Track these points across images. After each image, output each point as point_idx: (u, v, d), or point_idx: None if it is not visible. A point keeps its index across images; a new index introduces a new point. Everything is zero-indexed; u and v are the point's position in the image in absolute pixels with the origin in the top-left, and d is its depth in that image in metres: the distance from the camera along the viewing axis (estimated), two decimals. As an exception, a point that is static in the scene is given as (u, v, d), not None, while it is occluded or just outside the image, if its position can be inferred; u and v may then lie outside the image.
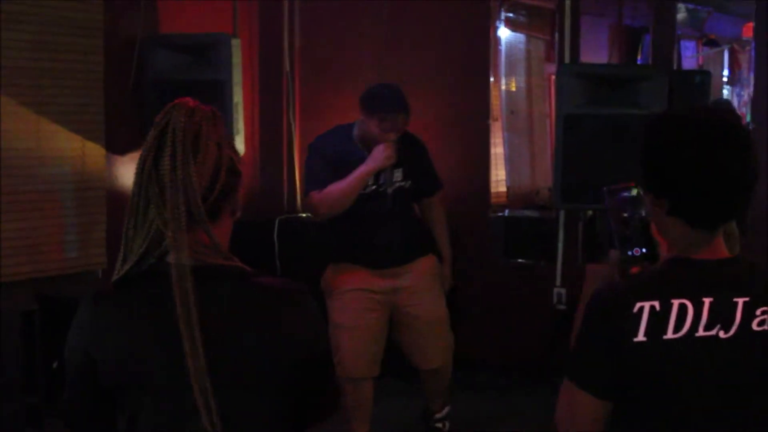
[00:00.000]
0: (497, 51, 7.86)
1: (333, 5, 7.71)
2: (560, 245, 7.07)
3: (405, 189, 5.23)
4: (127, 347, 2.10)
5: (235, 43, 6.50)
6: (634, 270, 2.41)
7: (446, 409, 5.62)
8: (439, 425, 5.62)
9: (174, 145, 2.07)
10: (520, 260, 7.41)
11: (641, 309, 2.16)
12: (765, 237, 5.91)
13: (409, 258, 5.28)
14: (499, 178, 7.77)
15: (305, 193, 5.37)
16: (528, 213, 7.75)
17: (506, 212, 7.61)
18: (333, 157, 5.12)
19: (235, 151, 2.21)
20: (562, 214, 7.02)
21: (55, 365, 5.40)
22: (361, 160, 5.06)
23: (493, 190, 7.52)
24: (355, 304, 5.20)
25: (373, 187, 5.14)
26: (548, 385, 6.64)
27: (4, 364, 5.35)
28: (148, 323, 2.08)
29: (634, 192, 2.46)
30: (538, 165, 8.33)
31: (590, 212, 6.94)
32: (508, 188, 7.94)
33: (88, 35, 6.23)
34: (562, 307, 7.04)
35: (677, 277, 2.23)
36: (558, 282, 7.06)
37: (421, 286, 5.29)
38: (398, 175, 5.19)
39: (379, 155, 5.02)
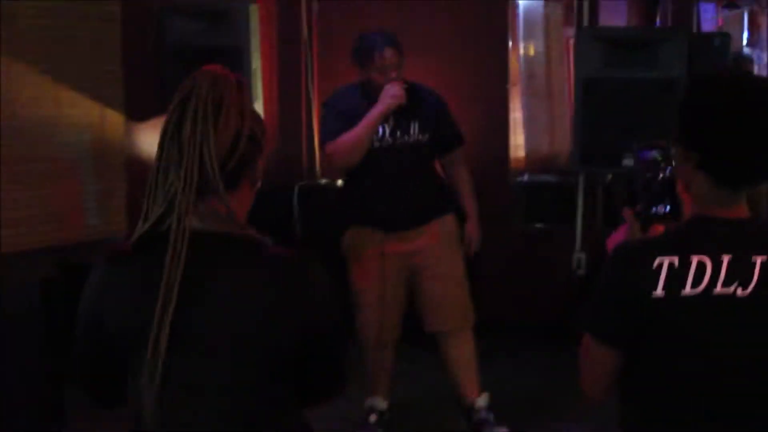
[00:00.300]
0: (515, 15, 7.82)
1: (350, -30, 7.68)
2: (579, 210, 7.06)
3: (422, 143, 5.16)
4: (132, 307, 2.12)
5: (253, 9, 6.51)
6: (658, 228, 2.44)
7: (484, 396, 5.30)
8: (483, 416, 5.28)
9: (196, 110, 2.08)
10: (539, 225, 7.40)
11: (660, 264, 2.21)
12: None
13: (425, 219, 5.20)
14: (517, 143, 7.75)
15: (321, 146, 5.35)
16: (547, 178, 7.74)
17: (525, 177, 7.61)
18: (346, 111, 5.09)
19: (259, 122, 2.21)
20: (581, 178, 7.00)
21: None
22: (372, 104, 5.03)
23: (512, 155, 7.51)
24: (372, 269, 5.16)
25: (390, 140, 5.09)
26: (568, 349, 6.67)
27: (25, 331, 5.38)
28: (151, 285, 2.09)
29: (659, 151, 2.48)
30: (557, 129, 8.29)
31: (610, 176, 6.92)
32: (527, 153, 7.92)
33: (105, 2, 6.22)
34: (581, 271, 7.04)
35: (697, 234, 2.27)
36: (578, 246, 7.05)
37: (436, 247, 5.20)
38: (414, 127, 5.13)
39: (386, 94, 4.98)
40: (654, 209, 2.47)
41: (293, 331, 2.12)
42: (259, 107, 6.52)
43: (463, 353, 5.29)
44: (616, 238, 2.52)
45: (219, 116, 2.09)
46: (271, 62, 7.70)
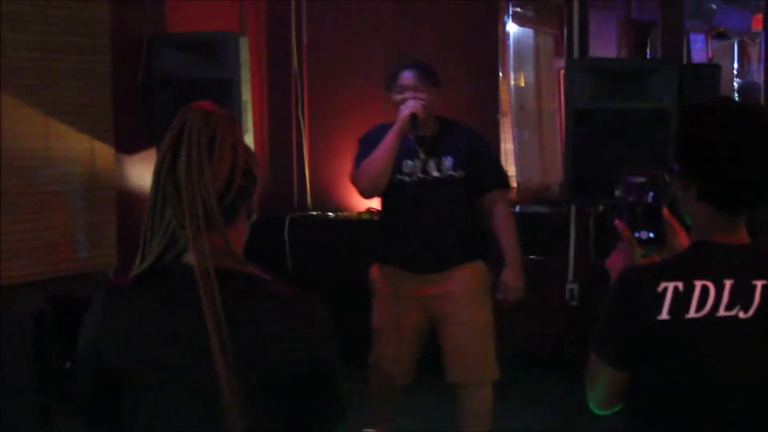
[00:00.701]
0: (505, 46, 7.84)
1: (340, 3, 7.70)
2: (572, 240, 7.06)
3: (455, 179, 4.91)
4: (134, 340, 2.13)
5: (243, 41, 6.49)
6: (649, 260, 2.47)
7: None
8: None
9: (190, 147, 2.09)
10: (531, 256, 7.38)
11: (665, 289, 2.29)
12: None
13: (450, 263, 4.97)
14: (509, 173, 7.75)
15: (352, 178, 5.11)
16: (539, 209, 7.74)
17: (517, 208, 7.60)
18: (375, 143, 4.91)
19: (252, 155, 2.23)
20: (573, 209, 7.00)
21: (68, 365, 5.40)
22: (406, 146, 4.88)
23: (503, 185, 7.50)
24: (391, 310, 4.99)
25: (421, 175, 4.91)
26: (562, 380, 6.66)
27: (17, 364, 5.35)
28: (158, 320, 2.11)
29: (645, 177, 2.50)
30: (548, 160, 8.30)
31: (601, 207, 6.92)
32: (518, 184, 7.91)
33: (94, 35, 6.22)
34: (574, 302, 7.03)
35: (700, 259, 2.35)
36: (570, 278, 7.05)
37: (459, 294, 4.96)
38: (447, 163, 4.91)
39: (402, 111, 4.82)
40: (637, 234, 2.50)
41: (301, 367, 2.14)
42: (249, 139, 6.50)
43: (477, 408, 5.09)
44: (616, 258, 2.54)
45: (213, 151, 2.10)
46: (262, 94, 7.71)
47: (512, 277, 5.02)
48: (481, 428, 5.09)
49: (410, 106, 4.81)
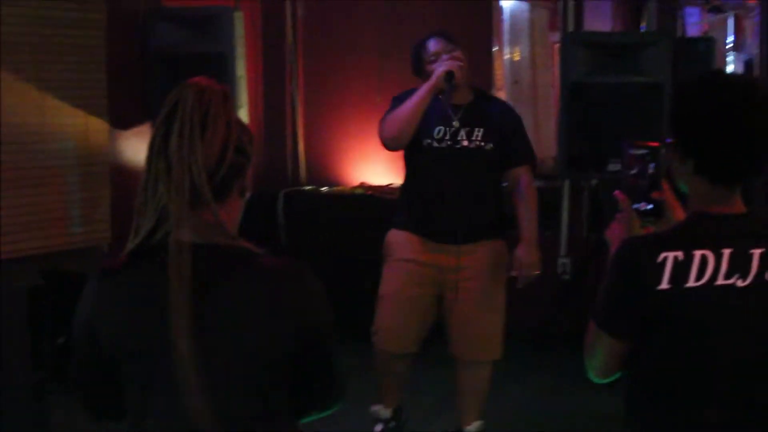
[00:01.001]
0: (500, 20, 7.83)
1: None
2: (565, 215, 7.07)
3: (484, 150, 4.80)
4: (127, 321, 2.13)
5: (238, 15, 6.48)
6: (646, 231, 2.57)
7: (477, 424, 5.08)
8: None
9: (182, 123, 2.09)
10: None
11: (665, 259, 2.35)
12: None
13: (475, 237, 4.85)
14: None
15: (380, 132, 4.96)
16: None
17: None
18: (405, 98, 4.82)
19: (246, 132, 2.22)
20: (566, 183, 7.01)
21: (61, 340, 5.42)
22: (437, 105, 4.77)
23: (497, 160, 7.50)
24: (403, 275, 4.87)
25: (449, 142, 4.80)
26: (553, 353, 6.70)
27: (11, 339, 5.36)
28: (146, 298, 2.11)
29: (647, 149, 2.58)
30: (543, 134, 8.29)
31: (595, 181, 6.93)
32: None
33: (89, 9, 6.20)
34: (566, 276, 7.04)
35: (699, 229, 2.41)
36: (562, 252, 7.06)
37: (479, 272, 4.87)
38: (478, 133, 4.81)
39: (437, 69, 4.72)
40: (636, 206, 2.58)
41: (291, 340, 2.13)
42: (243, 114, 6.49)
43: (476, 383, 5.04)
44: (616, 229, 2.61)
45: (206, 128, 2.10)
46: (256, 69, 7.69)
47: (527, 252, 4.85)
48: (475, 406, 5.06)
49: (446, 63, 4.73)
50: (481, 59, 7.37)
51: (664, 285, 2.33)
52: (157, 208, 2.10)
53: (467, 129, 4.82)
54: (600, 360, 2.47)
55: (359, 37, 7.58)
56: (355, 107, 7.57)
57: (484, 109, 4.90)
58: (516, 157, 4.92)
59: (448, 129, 4.82)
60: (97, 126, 6.26)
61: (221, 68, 6.27)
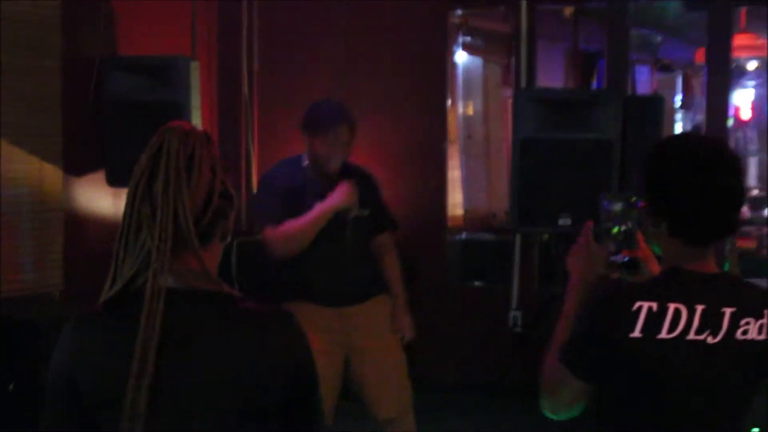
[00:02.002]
0: (454, 75, 7.92)
1: (291, 30, 7.74)
2: (516, 268, 7.12)
3: (363, 217, 4.91)
4: (105, 368, 2.08)
5: (194, 65, 6.50)
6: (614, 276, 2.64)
7: None
8: None
9: (168, 168, 2.07)
10: (477, 283, 7.45)
11: (640, 308, 2.37)
12: None
13: (366, 295, 4.99)
14: (456, 201, 7.81)
15: (259, 228, 5.02)
16: (485, 236, 7.80)
17: (463, 235, 7.66)
18: (283, 190, 4.85)
19: (229, 175, 2.21)
20: (518, 237, 7.07)
21: (11, 387, 5.37)
22: (314, 191, 4.83)
23: (450, 213, 7.56)
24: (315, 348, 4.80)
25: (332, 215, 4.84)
26: (508, 406, 6.72)
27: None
28: (124, 345, 2.05)
29: (623, 203, 2.65)
30: (495, 188, 8.39)
31: (546, 235, 6.99)
32: (465, 211, 7.98)
33: (45, 57, 6.21)
34: (518, 329, 7.08)
35: (674, 283, 2.44)
36: (514, 305, 7.10)
37: (375, 326, 4.99)
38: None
39: (343, 191, 4.78)
40: (614, 258, 2.64)
41: (276, 385, 2.10)
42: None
43: None
44: (576, 258, 2.67)
45: (192, 172, 2.09)
46: (212, 119, 7.72)
47: (404, 316, 5.06)
48: None
49: (348, 200, 4.80)
50: (435, 112, 7.45)
51: (637, 333, 2.35)
52: (140, 254, 2.08)
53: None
54: (561, 397, 2.49)
55: (314, 93, 7.62)
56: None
57: (356, 179, 4.91)
58: (381, 224, 5.08)
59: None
60: (51, 173, 6.24)
61: (176, 117, 6.11)
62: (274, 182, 4.93)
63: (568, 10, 8.35)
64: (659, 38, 9.41)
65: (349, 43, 7.55)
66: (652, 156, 2.50)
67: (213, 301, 2.12)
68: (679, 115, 9.77)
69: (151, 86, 6.46)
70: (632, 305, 2.37)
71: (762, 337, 2.43)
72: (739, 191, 2.44)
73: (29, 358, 5.19)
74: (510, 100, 7.39)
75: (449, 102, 7.61)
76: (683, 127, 9.79)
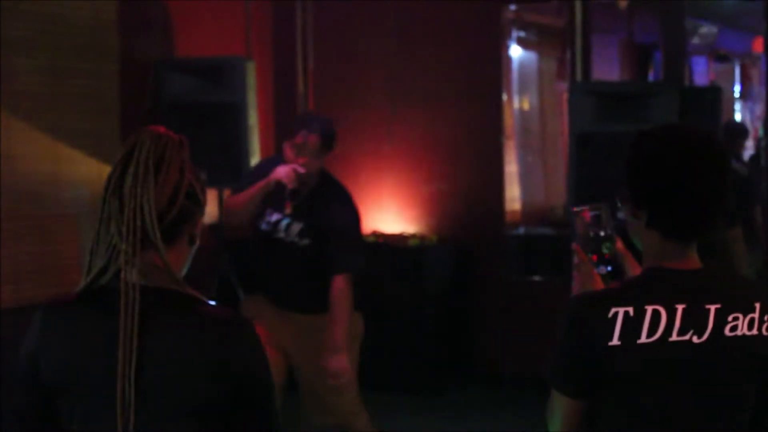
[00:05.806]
0: (509, 70, 7.90)
1: (345, 26, 7.78)
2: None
3: (298, 246, 4.85)
4: (69, 355, 2.15)
5: (250, 65, 6.55)
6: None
7: None
8: None
9: (137, 165, 2.13)
10: (535, 278, 7.44)
11: (615, 314, 2.28)
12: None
13: (316, 308, 4.82)
14: (513, 196, 7.80)
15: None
16: (543, 230, 7.78)
17: (521, 230, 7.64)
18: (259, 175, 4.93)
19: (200, 181, 2.25)
20: (576, 230, 7.04)
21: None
22: (282, 193, 4.84)
23: (507, 208, 7.55)
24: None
25: (283, 235, 4.87)
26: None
27: None
28: (90, 336, 2.13)
29: (597, 212, 2.61)
30: (552, 182, 8.36)
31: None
32: (522, 206, 7.97)
33: (103, 60, 6.29)
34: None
35: (651, 285, 2.35)
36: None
37: (317, 346, 4.81)
38: (295, 228, 4.86)
39: (281, 170, 4.77)
40: (597, 270, 2.55)
41: (229, 389, 2.11)
42: (255, 162, 6.54)
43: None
44: (576, 283, 2.60)
45: (160, 171, 2.14)
46: (268, 118, 7.76)
47: (335, 360, 4.77)
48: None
49: (282, 174, 4.78)
50: (491, 108, 7.44)
51: (615, 341, 2.26)
52: (109, 248, 2.14)
53: (289, 221, 4.86)
54: (559, 422, 2.41)
55: (369, 86, 7.66)
56: (366, 155, 7.62)
57: (318, 202, 4.88)
58: (335, 264, 4.82)
59: (277, 216, 4.87)
60: (110, 174, 6.30)
61: (233, 118, 6.33)
62: (257, 167, 5.26)
63: (623, 2, 8.29)
64: (715, 28, 9.32)
65: (403, 40, 7.56)
66: (639, 141, 2.42)
67: (169, 300, 2.15)
68: (738, 106, 9.67)
69: (208, 87, 6.52)
70: (607, 312, 2.28)
71: (753, 332, 2.32)
72: (720, 185, 2.33)
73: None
74: (565, 94, 7.37)
75: (505, 97, 7.60)
76: (743, 117, 9.69)
